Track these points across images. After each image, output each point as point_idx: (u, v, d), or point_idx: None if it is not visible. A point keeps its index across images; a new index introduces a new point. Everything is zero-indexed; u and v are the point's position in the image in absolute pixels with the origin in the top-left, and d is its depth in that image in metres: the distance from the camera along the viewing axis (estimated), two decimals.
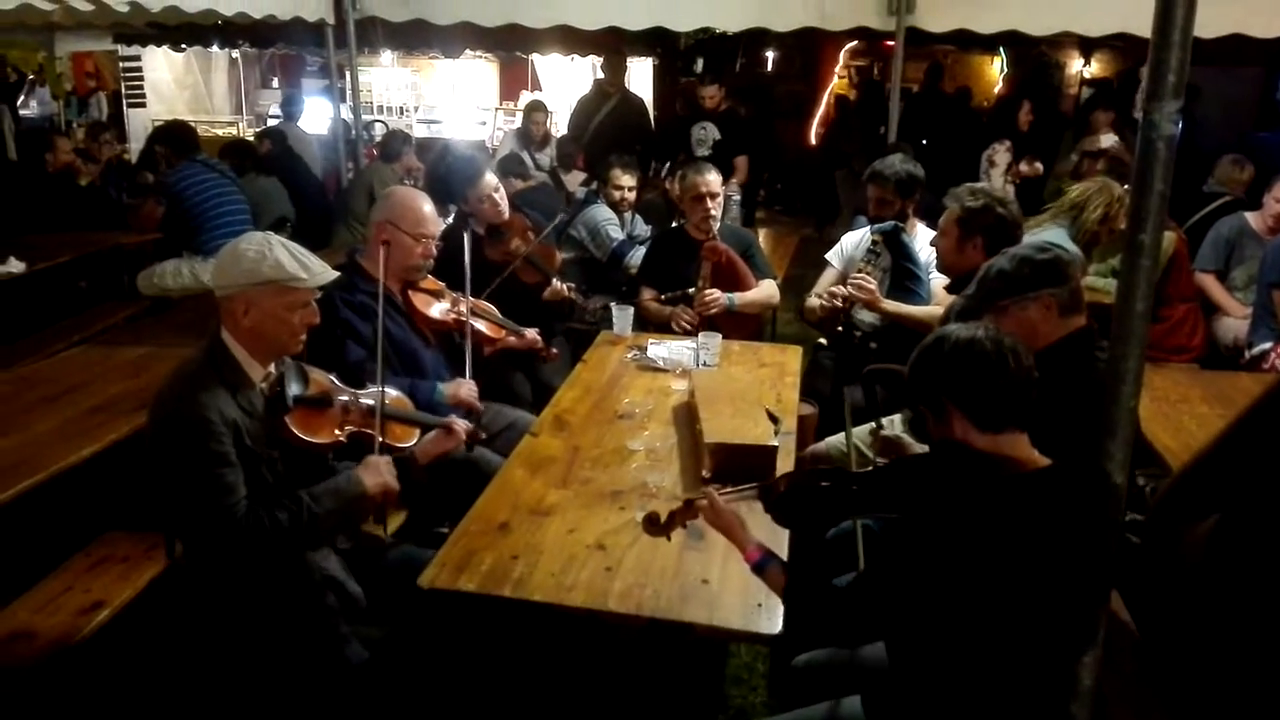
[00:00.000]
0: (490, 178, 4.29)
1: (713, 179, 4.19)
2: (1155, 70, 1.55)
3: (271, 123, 10.02)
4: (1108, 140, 6.96)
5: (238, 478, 2.20)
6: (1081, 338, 2.46)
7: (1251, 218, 4.86)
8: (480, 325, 3.49)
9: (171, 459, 2.20)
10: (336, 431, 2.51)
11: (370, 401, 2.62)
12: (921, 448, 2.58)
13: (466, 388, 3.18)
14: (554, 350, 3.82)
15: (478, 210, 4.23)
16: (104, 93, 12.60)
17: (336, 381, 2.63)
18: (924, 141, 8.61)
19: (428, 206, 3.24)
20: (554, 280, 4.21)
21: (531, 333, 3.68)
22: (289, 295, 2.30)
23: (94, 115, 12.06)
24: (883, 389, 3.30)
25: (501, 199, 4.28)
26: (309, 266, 2.31)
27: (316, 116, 9.87)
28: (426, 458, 2.71)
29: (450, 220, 4.40)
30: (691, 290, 4.12)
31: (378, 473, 2.41)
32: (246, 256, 2.26)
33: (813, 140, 12.58)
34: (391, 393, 2.77)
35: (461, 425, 2.78)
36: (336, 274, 2.45)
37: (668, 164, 7.23)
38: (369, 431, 2.54)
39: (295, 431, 2.38)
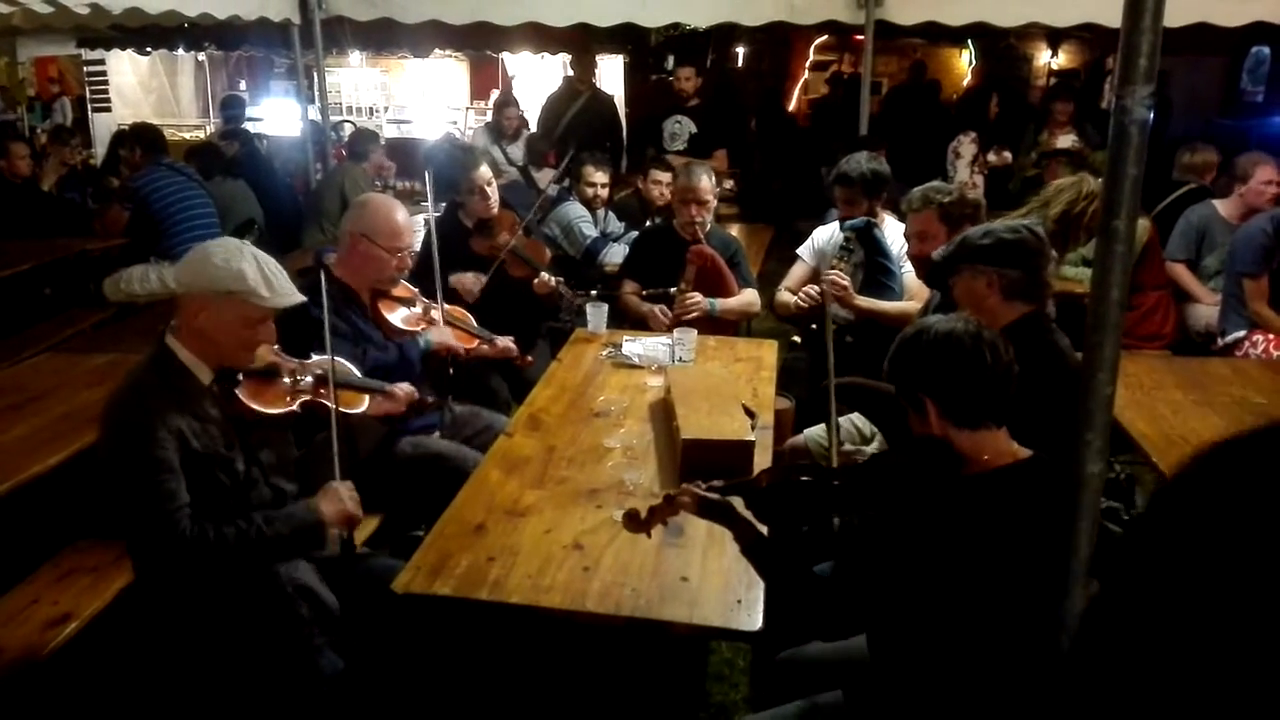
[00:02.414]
0: (485, 170, 4.27)
1: (704, 185, 4.16)
2: (1127, 55, 1.53)
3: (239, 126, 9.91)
4: (1065, 140, 7.02)
5: (179, 485, 2.15)
6: (1026, 324, 2.47)
7: (1220, 205, 4.89)
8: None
9: (115, 467, 2.15)
10: (288, 399, 2.48)
11: (318, 371, 2.60)
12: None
13: (450, 332, 3.32)
14: (529, 358, 3.79)
15: (468, 202, 4.21)
16: (68, 97, 12.44)
17: (280, 351, 2.59)
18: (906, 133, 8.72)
19: (402, 216, 3.20)
20: (543, 273, 4.19)
21: (504, 340, 3.64)
22: (247, 309, 2.25)
23: (58, 120, 11.89)
24: (844, 405, 3.30)
25: (493, 192, 4.25)
26: (273, 285, 2.25)
27: (284, 118, 9.77)
28: (379, 413, 2.78)
29: (441, 213, 4.37)
30: (673, 290, 4.10)
31: (337, 500, 2.36)
32: (213, 262, 2.22)
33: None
34: (339, 361, 2.73)
35: (404, 390, 2.84)
36: (303, 298, 2.41)
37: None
38: (321, 400, 2.53)
39: (247, 403, 2.35)
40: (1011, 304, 2.48)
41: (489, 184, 4.24)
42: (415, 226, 4.37)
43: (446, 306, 3.45)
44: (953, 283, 2.59)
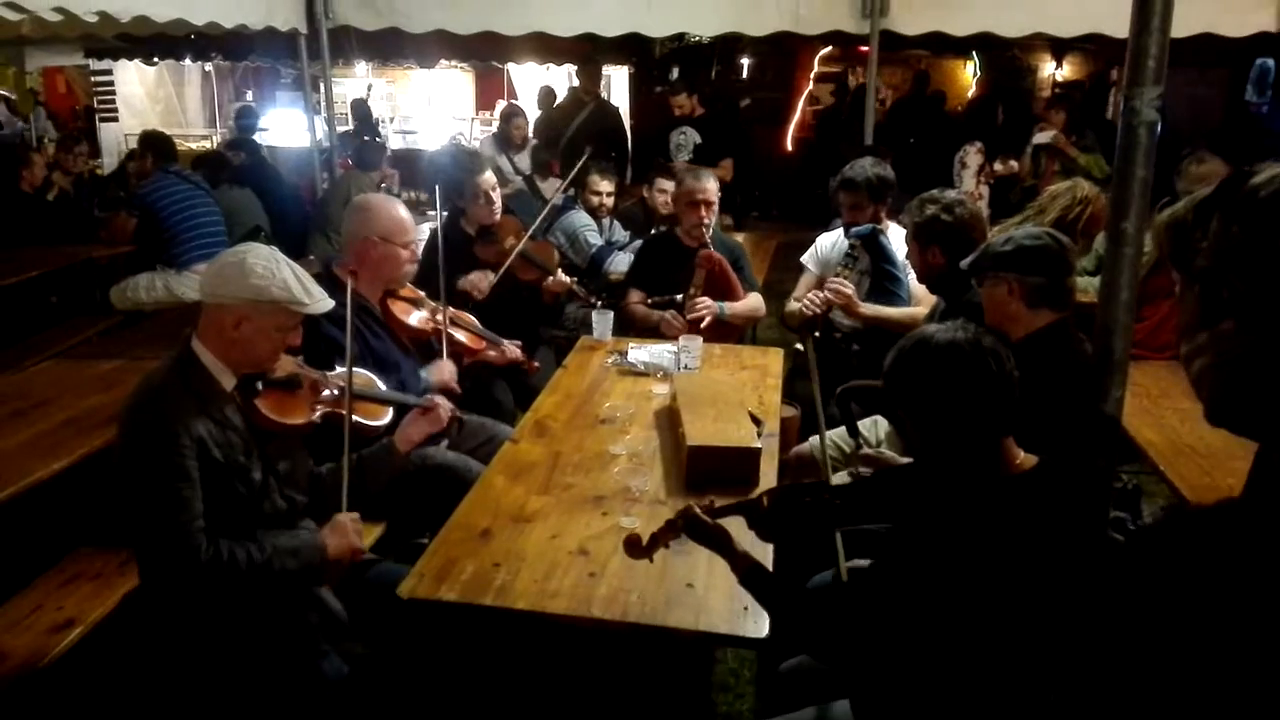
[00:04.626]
0: (490, 175, 4.26)
1: (710, 186, 4.19)
2: (1135, 55, 1.54)
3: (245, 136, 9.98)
4: (1042, 137, 7.08)
5: (194, 494, 2.13)
6: (1052, 332, 2.46)
7: None
8: (459, 335, 3.45)
9: (133, 471, 2.14)
10: (309, 411, 2.48)
11: (340, 383, 2.59)
12: (905, 460, 2.57)
13: (449, 369, 3.19)
14: (536, 363, 3.79)
15: (471, 208, 4.19)
16: (45, 107, 12.45)
17: (303, 363, 2.60)
18: (911, 140, 8.78)
19: (405, 211, 3.21)
20: (558, 271, 4.17)
21: (511, 347, 3.63)
22: (285, 316, 2.28)
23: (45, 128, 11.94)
24: (859, 405, 3.30)
25: (497, 198, 4.24)
26: (310, 291, 2.29)
27: (290, 128, 9.81)
28: (409, 444, 2.71)
29: (442, 221, 4.36)
30: (680, 296, 4.10)
31: (344, 534, 2.35)
32: (255, 272, 2.21)
33: (789, 146, 12.61)
34: (360, 372, 2.73)
35: (442, 404, 2.78)
36: (333, 303, 2.41)
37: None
38: (341, 411, 2.51)
39: (267, 415, 2.33)
40: (1037, 311, 2.48)
41: (493, 189, 4.22)
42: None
43: (452, 311, 3.44)
44: (980, 290, 2.61)
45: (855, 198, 4.01)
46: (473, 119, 13.16)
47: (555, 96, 8.61)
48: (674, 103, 7.39)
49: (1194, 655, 1.06)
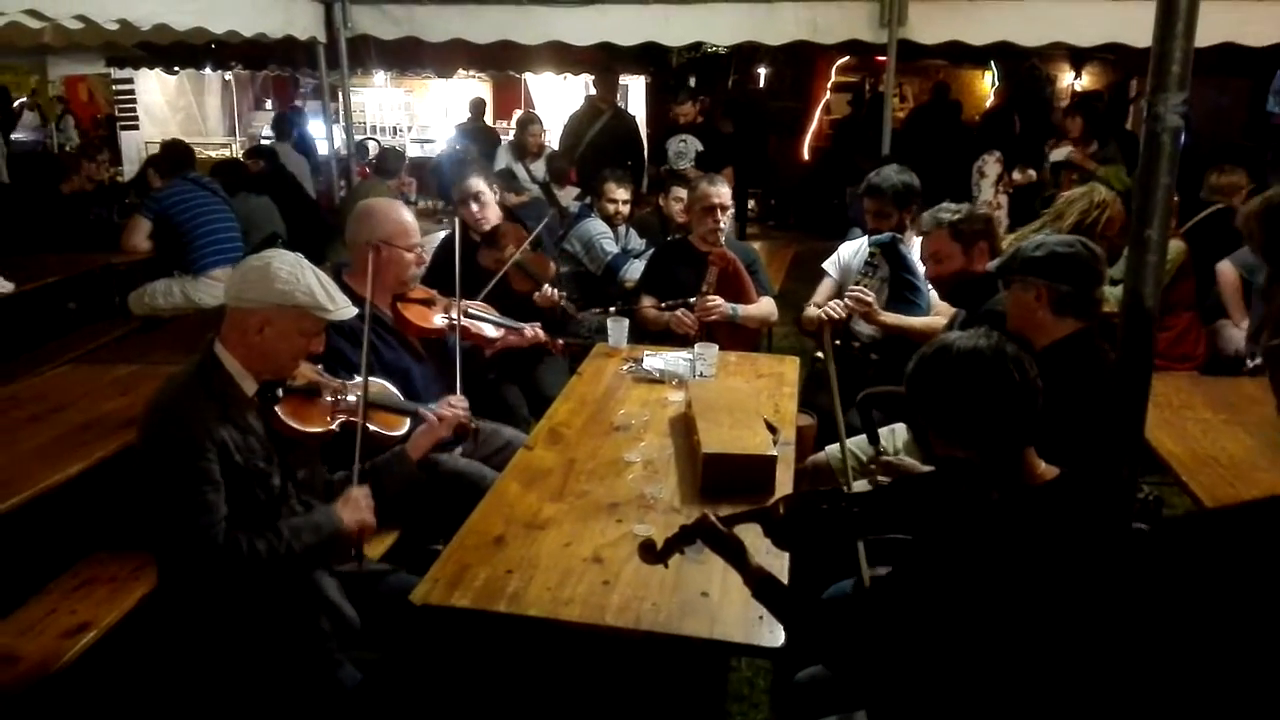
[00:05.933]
0: (473, 182, 4.22)
1: (724, 191, 4.22)
2: (1159, 61, 1.51)
3: (264, 144, 9.98)
4: (1059, 154, 7.05)
5: (218, 497, 2.15)
6: (1075, 341, 2.44)
7: None
8: (477, 328, 3.44)
9: (155, 473, 2.15)
10: (328, 419, 2.49)
11: (359, 392, 2.61)
12: (925, 468, 2.55)
13: (459, 403, 3.03)
14: (560, 341, 3.77)
15: (461, 213, 4.19)
16: (73, 114, 12.56)
17: (323, 372, 2.61)
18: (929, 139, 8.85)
19: (409, 215, 3.21)
20: (545, 286, 4.16)
21: (533, 328, 3.62)
22: (308, 321, 2.29)
23: (69, 137, 12.03)
24: (880, 412, 3.27)
25: (482, 205, 4.21)
26: (334, 298, 2.30)
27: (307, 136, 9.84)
28: (420, 451, 2.72)
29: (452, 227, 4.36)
30: (693, 299, 4.10)
31: (356, 508, 2.38)
32: (279, 276, 2.23)
33: (806, 156, 12.60)
34: (377, 381, 2.75)
35: (450, 414, 2.78)
36: (355, 310, 2.42)
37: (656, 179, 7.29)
38: (357, 420, 2.52)
39: (287, 421, 2.35)
40: (1062, 319, 2.46)
41: (478, 195, 4.20)
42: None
43: (467, 303, 3.44)
44: (1006, 293, 2.59)
45: (880, 204, 4.00)
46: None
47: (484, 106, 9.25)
48: (679, 111, 7.44)
49: (1217, 660, 1.04)
